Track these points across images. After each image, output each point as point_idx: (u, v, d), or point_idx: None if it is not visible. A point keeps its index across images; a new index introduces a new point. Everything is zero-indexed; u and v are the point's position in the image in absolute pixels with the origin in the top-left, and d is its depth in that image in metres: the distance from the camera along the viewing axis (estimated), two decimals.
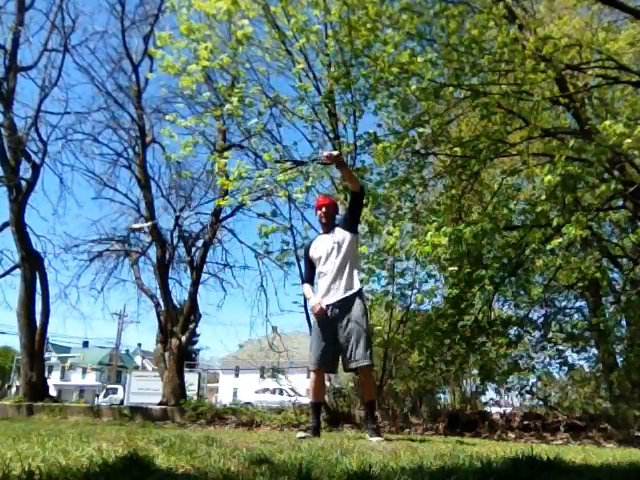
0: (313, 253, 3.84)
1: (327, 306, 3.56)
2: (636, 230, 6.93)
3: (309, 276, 3.94)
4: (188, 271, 11.53)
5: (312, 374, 3.61)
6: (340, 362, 3.62)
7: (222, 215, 11.17)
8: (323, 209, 3.85)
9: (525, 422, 5.76)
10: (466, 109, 6.54)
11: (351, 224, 3.82)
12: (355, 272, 3.68)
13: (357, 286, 3.63)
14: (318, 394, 3.68)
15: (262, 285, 10.22)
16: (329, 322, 3.54)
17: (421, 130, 6.10)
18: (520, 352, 6.79)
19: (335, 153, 3.66)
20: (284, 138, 6.75)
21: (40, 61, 11.10)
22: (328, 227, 3.86)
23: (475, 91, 5.79)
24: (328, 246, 3.72)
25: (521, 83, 5.64)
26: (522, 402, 7.15)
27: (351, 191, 3.82)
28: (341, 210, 4.51)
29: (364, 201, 4.60)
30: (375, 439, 3.15)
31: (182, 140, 6.37)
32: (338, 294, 3.56)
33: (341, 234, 3.74)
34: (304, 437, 3.30)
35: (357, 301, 3.54)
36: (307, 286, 3.91)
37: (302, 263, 4.25)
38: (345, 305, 3.52)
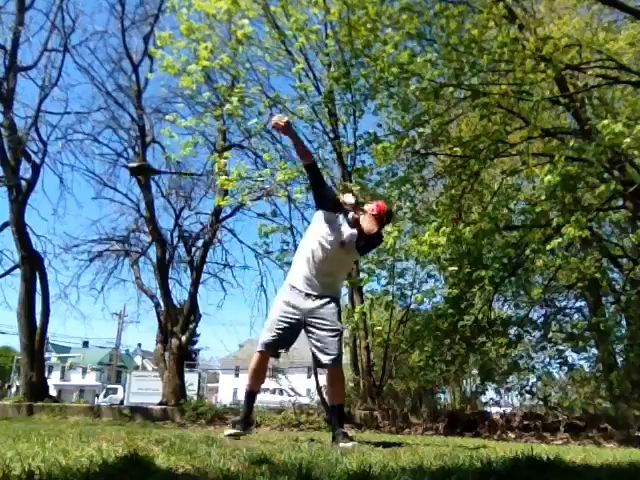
0: (330, 221, 3.23)
1: (306, 294, 3.18)
2: (636, 230, 6.92)
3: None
4: (188, 271, 11.56)
5: (256, 356, 3.17)
6: (311, 357, 3.22)
7: (222, 215, 11.19)
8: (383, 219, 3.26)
9: (525, 422, 5.75)
10: (466, 109, 6.54)
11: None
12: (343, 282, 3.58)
13: (339, 294, 3.45)
14: (258, 382, 3.25)
15: (262, 285, 10.25)
16: (299, 307, 3.16)
17: (421, 130, 6.10)
18: (520, 352, 6.79)
19: (285, 119, 3.16)
20: (284, 138, 6.76)
21: (40, 61, 11.11)
22: (356, 226, 3.25)
23: (475, 91, 5.78)
24: (344, 237, 3.21)
25: (521, 83, 5.64)
26: (522, 402, 7.14)
27: (304, 165, 3.25)
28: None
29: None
30: (349, 444, 2.80)
31: (182, 140, 6.39)
32: (322, 290, 3.19)
33: (353, 238, 3.22)
34: (234, 434, 2.94)
35: (333, 304, 3.23)
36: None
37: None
38: (322, 302, 3.17)
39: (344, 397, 3.44)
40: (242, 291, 26.16)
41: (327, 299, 3.20)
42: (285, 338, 3.18)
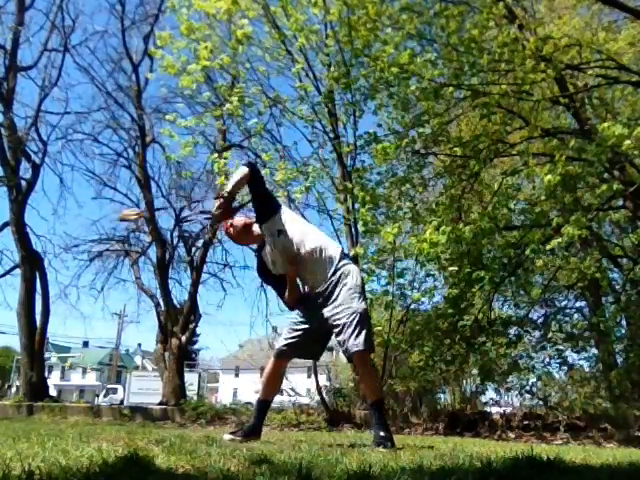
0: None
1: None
2: (636, 230, 6.93)
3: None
4: (188, 271, 11.56)
5: (271, 360, 3.08)
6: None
7: None
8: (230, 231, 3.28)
9: (525, 422, 5.75)
10: (466, 109, 6.54)
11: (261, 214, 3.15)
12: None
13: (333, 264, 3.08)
14: (270, 390, 3.10)
15: (262, 285, 10.21)
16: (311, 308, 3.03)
17: (421, 130, 6.09)
18: (520, 352, 6.79)
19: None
20: (284, 138, 6.78)
21: (40, 61, 11.13)
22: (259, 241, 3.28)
23: (475, 91, 5.78)
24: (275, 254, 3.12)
25: (521, 83, 5.64)
26: (522, 402, 7.14)
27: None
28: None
29: None
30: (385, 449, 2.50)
31: (182, 140, 6.39)
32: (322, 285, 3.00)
33: (273, 227, 3.09)
34: (230, 439, 2.75)
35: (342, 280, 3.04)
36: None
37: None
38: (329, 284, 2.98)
39: (378, 391, 2.97)
40: (242, 291, 26.23)
41: (331, 279, 2.93)
42: (302, 343, 2.98)
